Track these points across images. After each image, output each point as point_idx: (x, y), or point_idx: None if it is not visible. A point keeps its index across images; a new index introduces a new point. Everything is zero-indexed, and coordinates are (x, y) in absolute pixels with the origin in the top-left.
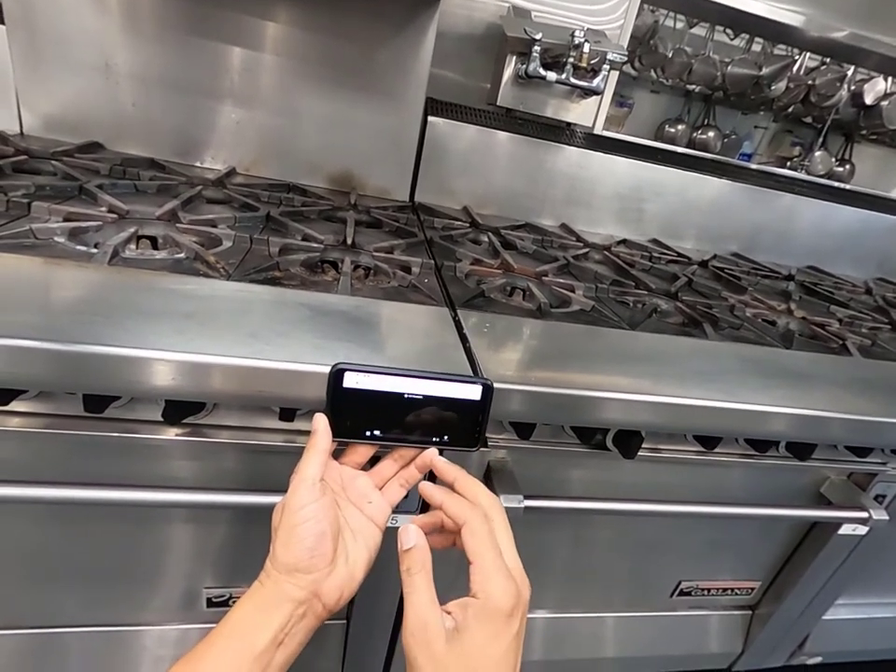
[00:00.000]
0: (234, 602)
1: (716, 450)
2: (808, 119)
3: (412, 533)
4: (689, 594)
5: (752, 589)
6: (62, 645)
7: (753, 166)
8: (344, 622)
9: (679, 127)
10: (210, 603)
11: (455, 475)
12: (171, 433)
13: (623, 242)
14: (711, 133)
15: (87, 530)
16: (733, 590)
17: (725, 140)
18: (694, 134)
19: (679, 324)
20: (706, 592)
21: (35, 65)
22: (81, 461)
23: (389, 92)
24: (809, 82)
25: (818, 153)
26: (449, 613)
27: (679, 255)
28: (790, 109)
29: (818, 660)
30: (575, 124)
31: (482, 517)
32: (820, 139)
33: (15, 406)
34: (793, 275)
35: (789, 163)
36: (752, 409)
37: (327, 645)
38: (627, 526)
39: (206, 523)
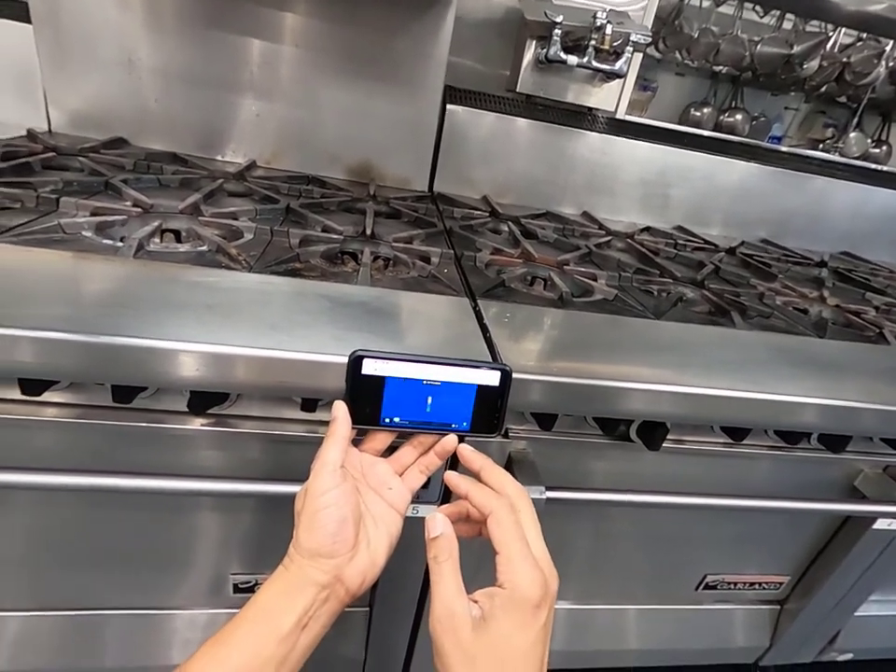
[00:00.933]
0: (260, 588)
1: (744, 442)
2: (842, 99)
3: (438, 521)
4: (714, 587)
5: (781, 584)
6: (98, 626)
7: (783, 149)
8: (367, 609)
9: (705, 110)
10: (237, 589)
11: (481, 464)
12: (196, 423)
13: (647, 229)
14: (739, 116)
15: (119, 517)
16: (760, 584)
17: (753, 123)
18: (721, 118)
19: (705, 313)
20: (732, 586)
21: (62, 64)
22: (112, 451)
23: (408, 81)
24: (844, 60)
25: (852, 134)
26: (476, 602)
27: (706, 242)
28: (822, 89)
29: (849, 657)
30: (597, 109)
31: (508, 507)
32: (855, 119)
33: (49, 397)
34: (826, 262)
35: (821, 146)
36: (783, 399)
37: (351, 631)
38: (651, 519)
39: (232, 511)
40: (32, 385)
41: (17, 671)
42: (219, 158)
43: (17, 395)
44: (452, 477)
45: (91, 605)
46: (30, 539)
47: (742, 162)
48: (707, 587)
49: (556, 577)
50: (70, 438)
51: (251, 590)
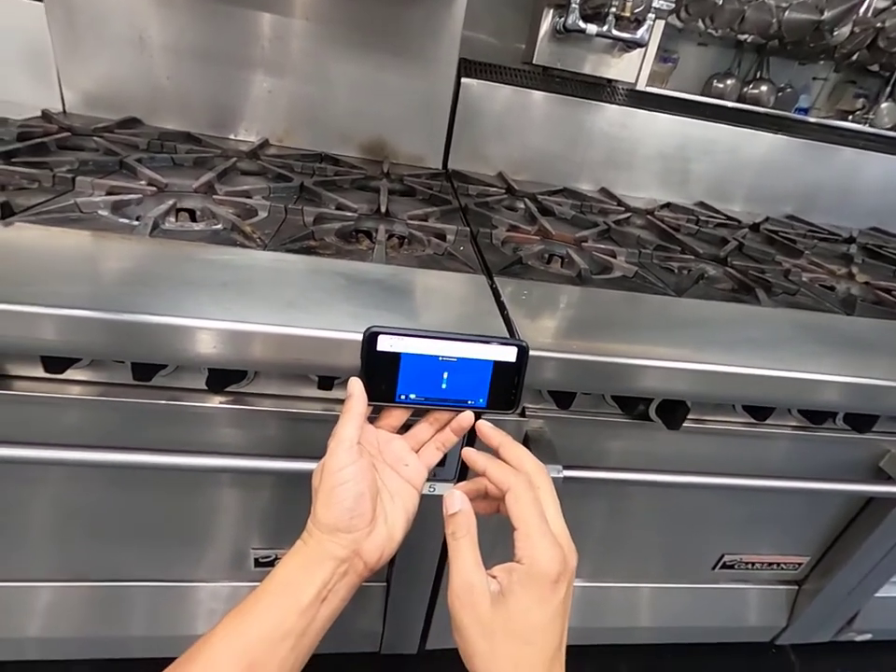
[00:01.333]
0: (280, 562)
1: (766, 421)
2: (875, 68)
3: (456, 498)
4: (732, 567)
5: (800, 564)
6: (126, 597)
7: (811, 119)
8: (385, 584)
9: (729, 82)
10: (257, 563)
11: (500, 440)
12: (215, 401)
13: (667, 205)
14: (764, 88)
15: (143, 493)
16: (779, 564)
17: (780, 94)
18: (745, 90)
19: (728, 290)
20: (750, 566)
21: (74, 43)
22: (134, 428)
23: (421, 54)
24: (878, 25)
25: (885, 104)
26: (494, 577)
27: (728, 218)
28: (854, 57)
29: (867, 637)
30: (616, 81)
31: (526, 483)
32: (888, 89)
33: (72, 375)
34: (855, 238)
35: (851, 117)
36: (809, 378)
37: (369, 605)
38: (669, 498)
39: (251, 487)
40: (54, 363)
41: (49, 638)
42: (232, 137)
43: (40, 373)
44: (470, 453)
45: (118, 577)
46: (59, 513)
47: (768, 134)
48: (725, 566)
49: (575, 552)
50: (93, 415)
51: (271, 564)
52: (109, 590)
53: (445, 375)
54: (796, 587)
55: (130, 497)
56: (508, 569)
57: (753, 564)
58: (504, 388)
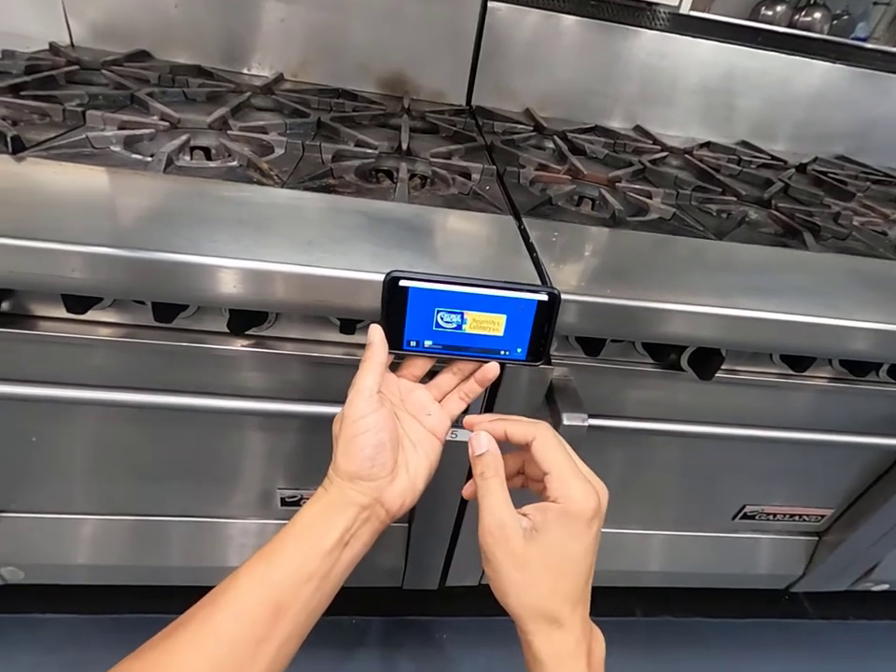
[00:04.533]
0: (305, 502)
1: (804, 373)
2: None
3: (483, 439)
4: (753, 517)
5: (822, 516)
6: (162, 530)
7: (872, 46)
8: (407, 525)
9: (778, 8)
10: (283, 502)
11: (502, 426)
12: (237, 344)
13: (707, 145)
14: (817, 14)
15: (173, 434)
16: (801, 516)
17: (834, 22)
18: (796, 17)
19: (773, 234)
20: (771, 517)
21: None
22: (157, 370)
23: None
24: None
25: None
26: (525, 515)
27: (773, 158)
28: None
29: (884, 587)
30: (657, 3)
31: (550, 429)
32: None
33: (94, 316)
34: None
35: None
36: (860, 326)
37: (392, 545)
38: (693, 449)
39: (276, 430)
40: (75, 303)
41: (95, 565)
42: (245, 71)
43: (64, 314)
44: (481, 428)
45: (154, 512)
46: (97, 451)
47: (824, 63)
48: (745, 517)
49: (606, 491)
50: (116, 357)
51: (297, 504)
52: (148, 524)
53: (469, 324)
54: (816, 538)
55: (160, 438)
56: (541, 508)
57: (775, 515)
58: (533, 338)
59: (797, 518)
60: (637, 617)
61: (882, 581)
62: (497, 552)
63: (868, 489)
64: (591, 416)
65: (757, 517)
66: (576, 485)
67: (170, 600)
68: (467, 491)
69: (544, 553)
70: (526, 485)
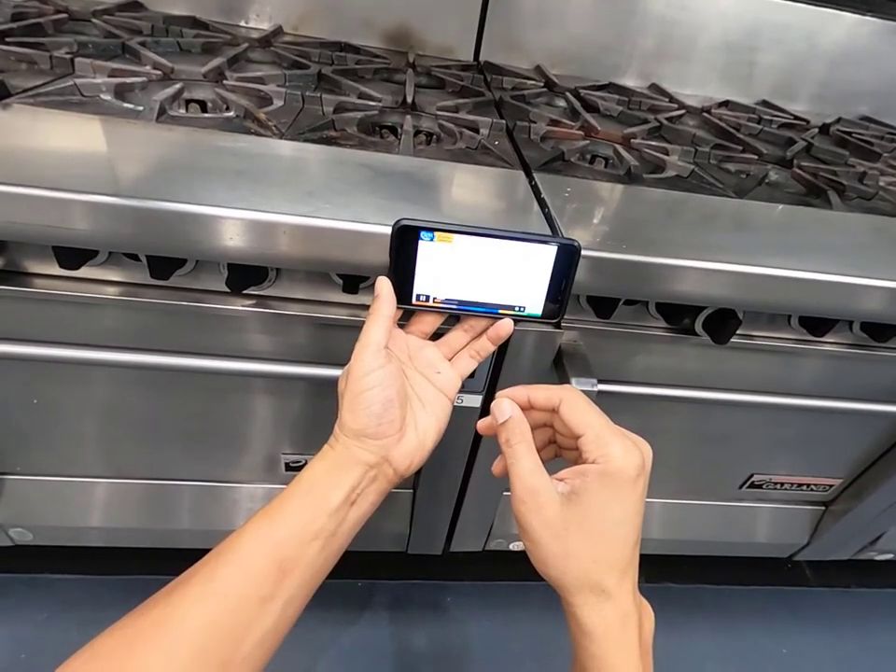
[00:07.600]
0: None
1: (822, 339)
2: None
3: (505, 405)
4: (760, 486)
5: (830, 486)
6: (171, 494)
7: None
8: (411, 491)
9: None
10: (288, 467)
11: (525, 393)
12: (237, 304)
13: (726, 104)
14: None
15: (175, 396)
16: (809, 486)
17: None
18: None
19: (796, 193)
20: (779, 486)
21: None
22: (155, 331)
23: None
24: None
25: None
26: (561, 480)
27: (796, 118)
28: None
29: (888, 556)
30: None
31: (575, 390)
32: None
33: (89, 273)
34: None
35: None
36: (883, 285)
37: (396, 510)
38: (704, 416)
39: (279, 393)
40: (68, 256)
41: (107, 528)
42: (242, 23)
43: (58, 271)
44: (503, 395)
45: (162, 475)
46: (105, 414)
47: (853, 16)
48: (753, 486)
49: (649, 447)
50: (112, 316)
51: (301, 469)
52: (157, 487)
53: (483, 278)
54: (823, 507)
55: (163, 400)
56: (580, 471)
57: (783, 484)
58: (549, 293)
59: (805, 487)
60: (640, 583)
61: (886, 551)
62: (533, 521)
63: (879, 459)
64: (601, 381)
65: (765, 486)
66: (615, 442)
67: (182, 562)
68: (497, 468)
69: (585, 518)
70: (560, 455)
